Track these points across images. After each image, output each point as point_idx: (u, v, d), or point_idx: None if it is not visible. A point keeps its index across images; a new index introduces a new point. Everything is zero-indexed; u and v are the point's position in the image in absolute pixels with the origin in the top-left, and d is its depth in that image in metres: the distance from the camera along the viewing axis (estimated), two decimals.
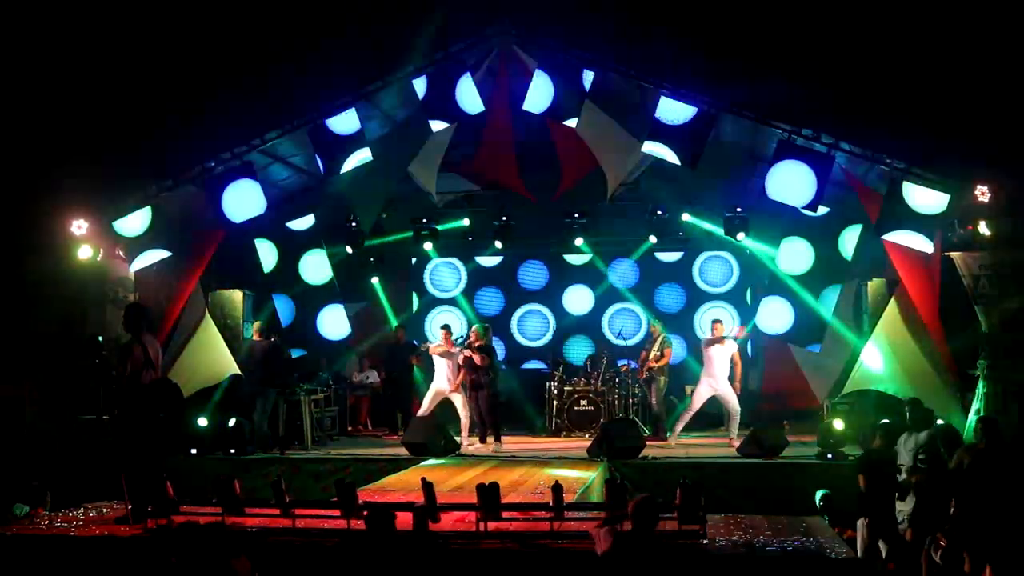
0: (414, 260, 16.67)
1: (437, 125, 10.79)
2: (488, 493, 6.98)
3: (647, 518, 5.56)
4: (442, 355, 12.13)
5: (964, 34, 13.52)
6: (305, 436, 12.34)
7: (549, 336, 16.65)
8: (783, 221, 12.89)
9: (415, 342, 14.84)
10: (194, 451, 11.15)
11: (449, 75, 10.52)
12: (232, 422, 11.46)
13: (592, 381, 13.91)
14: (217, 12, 14.00)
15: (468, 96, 10.61)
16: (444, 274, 16.89)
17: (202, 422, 11.33)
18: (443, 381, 12.10)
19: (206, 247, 11.49)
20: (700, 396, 12.01)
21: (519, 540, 6.83)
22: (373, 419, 15.31)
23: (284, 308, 14.71)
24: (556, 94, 10.66)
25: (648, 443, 11.20)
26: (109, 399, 8.18)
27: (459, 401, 12.12)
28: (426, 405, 12.19)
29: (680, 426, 12.17)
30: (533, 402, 14.89)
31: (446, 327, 12.61)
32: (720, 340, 11.91)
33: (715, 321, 12.41)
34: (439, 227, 14.63)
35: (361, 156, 11.07)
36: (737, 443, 11.27)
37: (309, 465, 10.90)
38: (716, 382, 11.86)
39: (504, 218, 14.24)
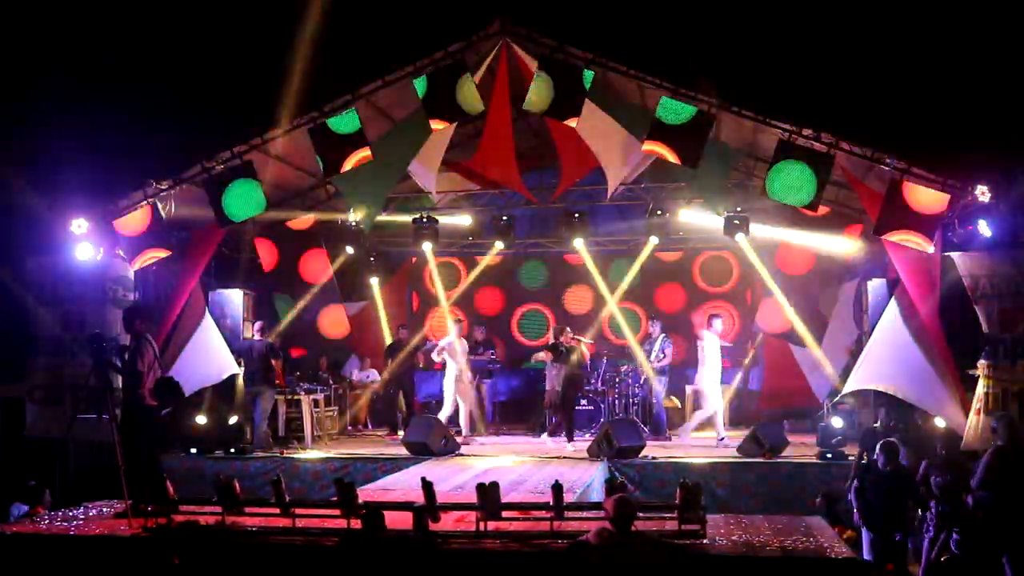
0: (414, 260, 16.67)
1: (437, 125, 10.77)
2: (488, 493, 6.97)
3: (624, 517, 5.62)
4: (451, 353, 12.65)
5: (965, 34, 13.54)
6: (305, 435, 12.36)
7: (549, 336, 16.62)
8: (783, 221, 12.90)
9: (429, 342, 15.13)
10: (194, 451, 11.17)
11: (449, 75, 10.51)
12: (232, 421, 11.48)
13: (592, 381, 13.91)
14: (217, 11, 14.02)
15: (468, 96, 10.59)
16: (444, 274, 16.88)
17: (202, 421, 11.34)
18: (451, 380, 12.70)
19: (206, 247, 11.49)
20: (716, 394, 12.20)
21: (519, 540, 6.82)
22: (373, 419, 15.32)
23: (284, 308, 14.71)
24: (556, 94, 10.63)
25: (648, 443, 11.21)
26: (110, 398, 8.20)
27: (464, 396, 12.49)
28: (451, 403, 12.78)
29: (695, 424, 12.28)
30: (532, 402, 14.89)
31: (460, 321, 13.28)
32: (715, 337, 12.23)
33: (713, 317, 12.60)
34: (438, 227, 14.64)
35: (361, 156, 11.05)
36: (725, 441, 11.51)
37: (309, 464, 10.91)
38: (705, 380, 12.16)
39: (504, 218, 14.24)
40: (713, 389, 12.25)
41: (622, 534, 5.62)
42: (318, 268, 14.90)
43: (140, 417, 8.56)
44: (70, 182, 11.46)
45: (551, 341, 12.54)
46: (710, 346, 12.32)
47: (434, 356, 13.17)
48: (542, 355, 12.62)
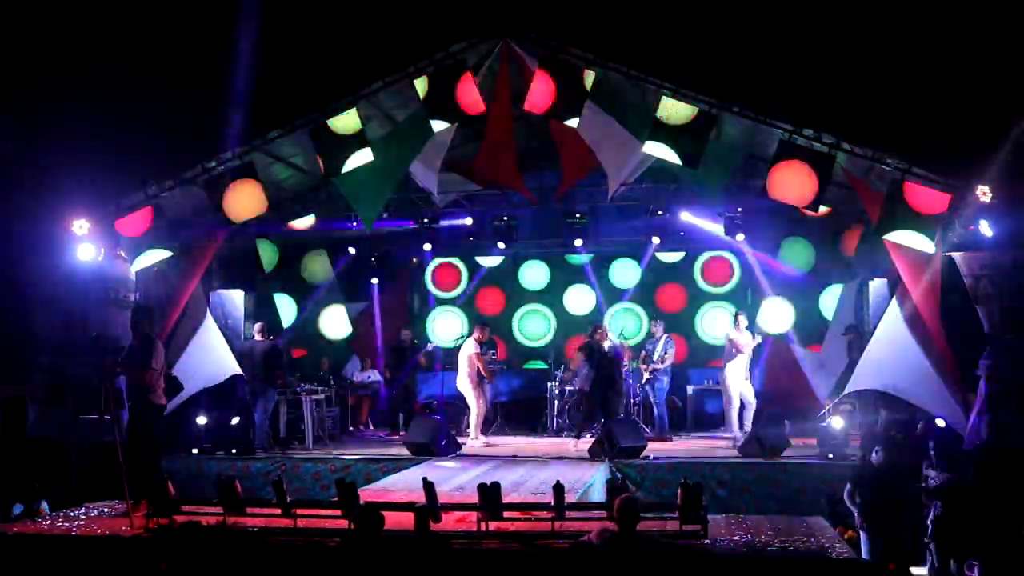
0: (415, 260, 16.67)
1: (437, 125, 10.78)
2: (489, 493, 6.98)
3: (630, 517, 5.63)
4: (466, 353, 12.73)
5: (965, 34, 13.53)
6: (306, 436, 12.37)
7: (550, 336, 16.64)
8: (783, 221, 12.90)
9: (431, 343, 15.15)
10: (195, 451, 11.17)
11: (449, 75, 10.51)
12: (234, 422, 11.48)
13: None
14: (217, 11, 14.02)
15: (468, 96, 10.61)
16: (445, 274, 16.88)
17: (203, 422, 11.34)
18: (464, 378, 12.68)
19: (207, 247, 11.48)
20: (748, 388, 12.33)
21: (520, 540, 6.82)
22: (374, 419, 15.33)
23: (285, 308, 14.71)
24: (556, 94, 10.65)
25: (649, 443, 11.21)
26: (111, 398, 8.22)
27: (472, 396, 12.59)
28: (481, 402, 12.71)
29: (739, 420, 12.37)
30: (533, 402, 14.89)
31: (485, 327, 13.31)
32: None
33: (738, 314, 12.79)
34: (439, 227, 14.65)
35: (361, 156, 11.05)
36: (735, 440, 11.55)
37: (310, 465, 10.92)
38: (730, 376, 12.33)
39: (505, 218, 14.24)
40: (737, 383, 12.27)
41: (624, 534, 5.63)
42: (319, 268, 14.91)
43: (149, 416, 8.59)
44: (71, 182, 11.45)
45: (585, 341, 12.54)
46: (739, 343, 12.34)
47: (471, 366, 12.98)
48: (577, 357, 12.62)
